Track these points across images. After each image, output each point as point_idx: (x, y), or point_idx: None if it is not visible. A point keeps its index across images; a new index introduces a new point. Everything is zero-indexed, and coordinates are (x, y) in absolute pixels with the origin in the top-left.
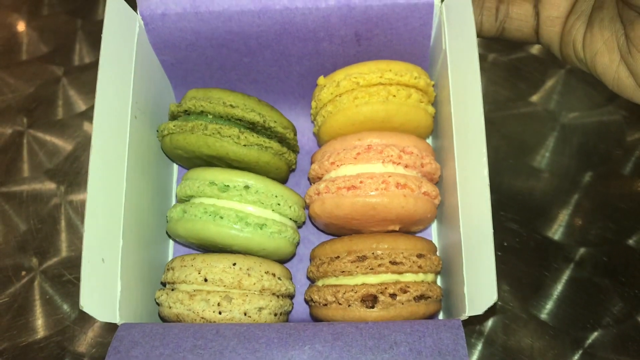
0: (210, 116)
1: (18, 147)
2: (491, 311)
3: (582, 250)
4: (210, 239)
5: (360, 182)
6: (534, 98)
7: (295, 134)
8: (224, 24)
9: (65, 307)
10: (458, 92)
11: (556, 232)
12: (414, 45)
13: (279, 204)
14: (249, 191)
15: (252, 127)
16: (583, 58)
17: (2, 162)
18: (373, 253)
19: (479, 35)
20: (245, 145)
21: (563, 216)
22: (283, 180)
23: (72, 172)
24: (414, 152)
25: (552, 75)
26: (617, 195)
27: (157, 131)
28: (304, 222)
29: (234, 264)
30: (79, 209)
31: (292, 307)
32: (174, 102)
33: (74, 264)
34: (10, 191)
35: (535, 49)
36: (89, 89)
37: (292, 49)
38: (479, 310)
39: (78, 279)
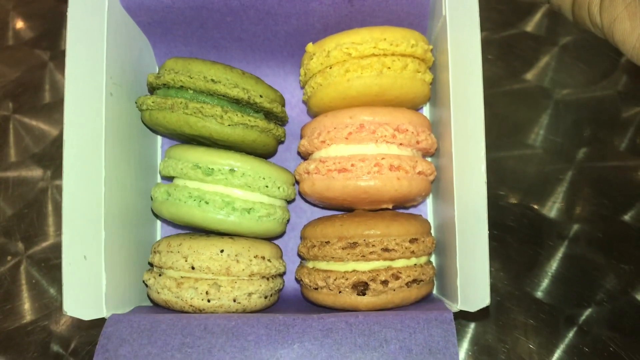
0: (191, 91)
1: (4, 132)
2: (483, 313)
3: (576, 226)
4: (196, 223)
5: (352, 164)
6: (528, 76)
7: (283, 105)
8: None
9: (52, 291)
10: (457, 59)
11: (550, 209)
12: (412, 6)
13: (267, 186)
14: (235, 174)
15: (236, 102)
16: (599, 23)
17: None
18: (364, 240)
19: None
20: (229, 125)
21: (557, 193)
22: (271, 154)
23: (59, 156)
24: (409, 130)
25: (546, 52)
26: (612, 171)
27: (135, 103)
28: (294, 199)
29: (222, 251)
30: None
31: (283, 285)
32: (154, 64)
33: (60, 248)
34: None
35: (529, 27)
36: None
37: (277, 8)
38: (471, 308)
39: None
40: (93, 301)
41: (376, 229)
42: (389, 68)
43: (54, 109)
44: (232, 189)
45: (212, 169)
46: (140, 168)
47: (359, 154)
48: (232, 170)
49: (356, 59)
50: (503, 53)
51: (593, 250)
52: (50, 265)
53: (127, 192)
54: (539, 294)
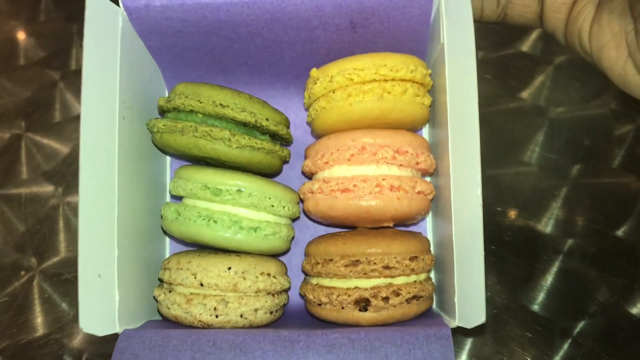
0: (201, 115)
1: (16, 150)
2: (480, 330)
3: (570, 241)
4: (205, 242)
5: (354, 185)
6: (524, 94)
7: (288, 127)
8: (212, 13)
9: (64, 305)
10: (454, 84)
11: (546, 224)
12: (412, 33)
13: (272, 206)
14: (242, 195)
15: (244, 125)
16: (588, 50)
17: (0, 165)
18: (366, 258)
19: (479, 20)
20: (237, 148)
21: (552, 209)
22: (277, 173)
23: (70, 174)
24: (408, 152)
25: (541, 71)
26: (605, 187)
27: (147, 125)
28: (298, 217)
29: (229, 268)
30: (77, 210)
31: (288, 300)
32: (163, 86)
33: (71, 263)
34: (9, 193)
35: (525, 47)
36: None
37: (283, 36)
38: (467, 324)
39: (76, 277)
40: (107, 317)
41: (377, 248)
42: (390, 93)
43: (65, 128)
44: (239, 208)
45: (221, 189)
46: (150, 187)
47: (361, 175)
48: (239, 191)
49: (358, 84)
50: (500, 72)
51: (587, 265)
52: (62, 280)
53: (138, 211)
54: (535, 307)
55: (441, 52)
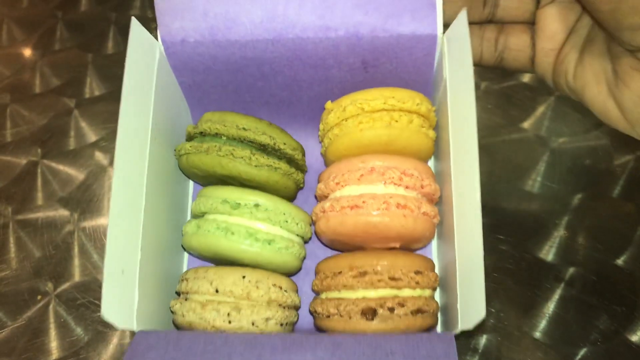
0: (224, 138)
1: (32, 177)
2: (481, 327)
3: (571, 270)
4: (222, 253)
5: (363, 202)
6: (525, 124)
7: (303, 155)
8: (240, 50)
9: (79, 330)
10: (456, 119)
11: (547, 252)
12: (418, 73)
13: (286, 221)
14: (259, 209)
15: (263, 148)
16: (574, 87)
17: (17, 191)
18: (373, 269)
19: (479, 64)
20: (256, 166)
21: (554, 237)
22: (291, 198)
23: (85, 200)
24: (414, 175)
25: (542, 102)
26: (606, 216)
27: (175, 150)
28: (310, 238)
29: (244, 277)
30: (92, 235)
31: (298, 318)
32: (190, 122)
33: (87, 287)
34: (25, 219)
35: (526, 78)
36: (99, 120)
37: (302, 75)
38: (469, 325)
39: (91, 302)
40: (126, 313)
41: (384, 260)
42: (397, 121)
43: (80, 154)
44: (256, 222)
45: (239, 203)
46: (173, 206)
47: (369, 193)
48: (256, 205)
49: (368, 112)
50: (502, 102)
51: (588, 292)
52: (77, 305)
53: (161, 225)
54: (537, 334)
55: (444, 90)
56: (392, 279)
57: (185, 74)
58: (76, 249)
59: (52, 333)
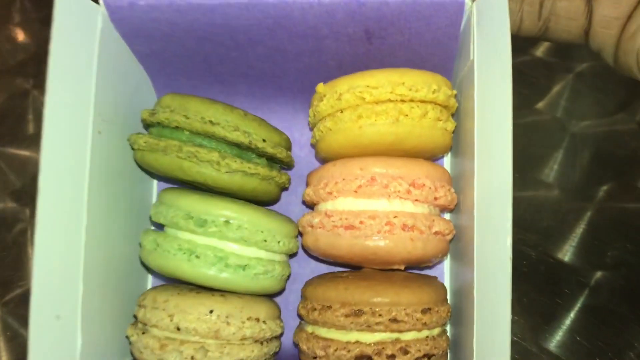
0: (187, 133)
1: None
2: None
3: (597, 274)
4: (186, 279)
5: (360, 222)
6: (540, 105)
7: (289, 148)
8: (205, 16)
9: None
10: (484, 107)
11: (568, 253)
12: (437, 47)
13: (265, 240)
14: (230, 227)
15: (236, 148)
16: None
17: None
18: (371, 308)
19: (517, 34)
20: (227, 172)
21: (575, 236)
22: (273, 202)
23: None
24: (425, 185)
25: (559, 80)
26: (635, 211)
27: (128, 141)
28: (296, 252)
29: (211, 312)
30: None
31: (280, 347)
32: (153, 97)
33: None
34: None
35: (540, 51)
36: None
37: (288, 45)
38: None
39: None
40: None
41: (384, 297)
42: (407, 115)
43: (38, 141)
44: (227, 242)
45: (206, 219)
46: (131, 211)
47: (369, 210)
48: (227, 222)
49: (370, 104)
50: (513, 81)
51: (616, 300)
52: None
53: (113, 239)
54: (557, 349)
55: (470, 71)
56: (394, 320)
57: (138, 42)
58: (29, 251)
59: (1, 346)
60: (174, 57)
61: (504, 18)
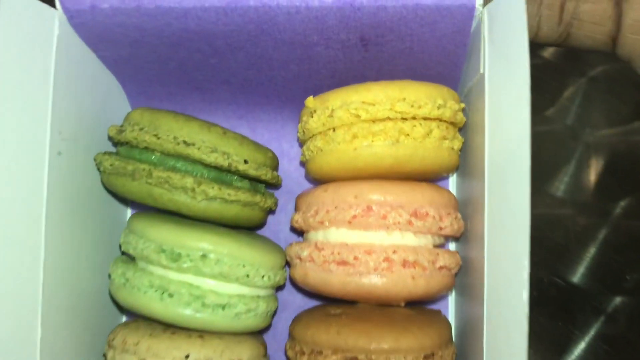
0: (159, 154)
1: None
2: None
3: (614, 299)
4: (159, 318)
5: (355, 257)
6: (549, 112)
7: (275, 167)
8: (177, 20)
9: None
10: (497, 125)
11: (581, 276)
12: (442, 55)
13: (247, 275)
14: (207, 262)
15: (215, 169)
16: None
17: None
18: (366, 356)
19: (533, 40)
20: (203, 200)
21: (589, 257)
22: (258, 227)
23: None
24: (429, 214)
25: (570, 84)
26: None
27: (95, 160)
28: (284, 284)
29: (187, 357)
30: None
31: None
32: (125, 103)
33: None
34: None
35: (548, 53)
36: None
37: (273, 52)
38: None
39: None
40: None
41: (382, 342)
42: (408, 135)
43: None
44: (204, 279)
45: (180, 253)
46: (101, 238)
47: (365, 244)
48: (204, 257)
49: (366, 122)
50: None
51: (636, 329)
52: None
53: (79, 273)
54: None
55: (480, 82)
56: None
57: (105, 47)
58: None
59: None
60: (145, 64)
61: (521, 24)
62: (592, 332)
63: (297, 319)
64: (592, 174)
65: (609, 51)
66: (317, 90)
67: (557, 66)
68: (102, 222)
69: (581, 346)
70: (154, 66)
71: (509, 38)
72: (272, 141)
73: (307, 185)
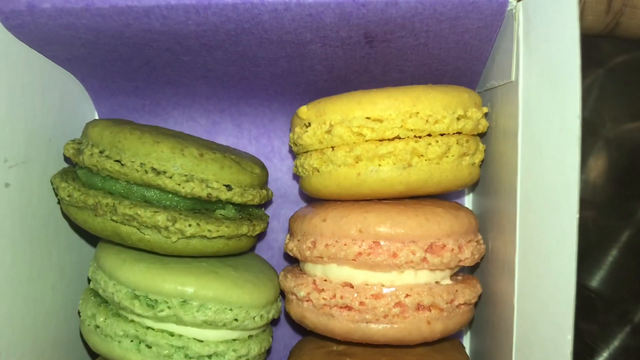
0: (124, 183)
1: None
2: None
3: None
4: None
5: (361, 303)
6: None
7: (264, 183)
8: (139, 21)
9: None
10: (534, 131)
11: (604, 283)
12: (463, 51)
13: (236, 320)
14: (189, 308)
15: (192, 202)
16: None
17: None
18: None
19: None
20: (180, 239)
21: (611, 261)
22: (247, 250)
23: None
24: (447, 246)
25: (587, 75)
26: None
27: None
28: (278, 317)
29: None
30: None
31: None
32: (89, 103)
33: None
34: None
35: None
36: None
37: (257, 51)
38: None
39: None
40: None
41: None
42: (422, 156)
43: None
44: (186, 327)
45: (156, 300)
46: (70, 267)
47: (372, 286)
48: (184, 303)
49: (372, 142)
50: None
51: None
52: None
53: (46, 311)
54: None
55: (513, 87)
56: None
57: (52, 49)
58: None
59: None
60: (105, 61)
61: (572, 21)
62: (616, 344)
63: (294, 355)
64: (613, 172)
65: None
66: (311, 86)
67: None
68: (69, 249)
69: (604, 359)
70: (115, 63)
71: (553, 46)
72: (261, 137)
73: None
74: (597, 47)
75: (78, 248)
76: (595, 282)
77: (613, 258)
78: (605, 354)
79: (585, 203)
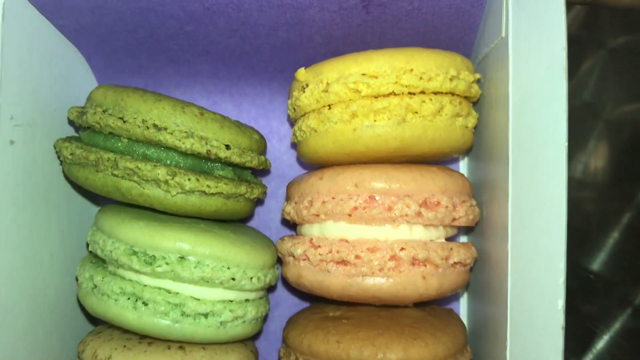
0: (125, 140)
1: None
2: None
3: None
4: (133, 329)
5: (357, 256)
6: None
7: (263, 150)
8: None
9: None
10: (523, 96)
11: (605, 265)
12: (455, 16)
13: (233, 279)
14: (186, 265)
15: (192, 156)
16: None
17: None
18: None
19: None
20: (179, 194)
21: (612, 243)
22: (244, 218)
23: None
24: (441, 203)
25: (588, 56)
26: None
27: (55, 147)
28: (275, 284)
29: None
30: None
31: None
32: (92, 80)
33: None
34: None
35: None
36: None
37: (258, 17)
38: None
39: None
40: None
41: (389, 353)
42: (416, 113)
43: None
44: (183, 284)
45: (154, 256)
46: (69, 234)
47: (368, 240)
48: (182, 259)
49: (368, 98)
50: None
51: None
52: None
53: (44, 274)
54: None
55: (501, 48)
56: None
57: (62, 15)
58: None
59: None
60: (111, 33)
61: None
62: (616, 326)
63: (291, 323)
64: (614, 154)
65: None
66: (310, 60)
67: (573, 37)
68: (69, 216)
69: (604, 341)
70: (121, 35)
71: None
72: (260, 118)
73: (299, 168)
74: (598, 26)
75: (78, 217)
76: (596, 264)
77: (614, 240)
78: (605, 337)
79: (585, 185)
